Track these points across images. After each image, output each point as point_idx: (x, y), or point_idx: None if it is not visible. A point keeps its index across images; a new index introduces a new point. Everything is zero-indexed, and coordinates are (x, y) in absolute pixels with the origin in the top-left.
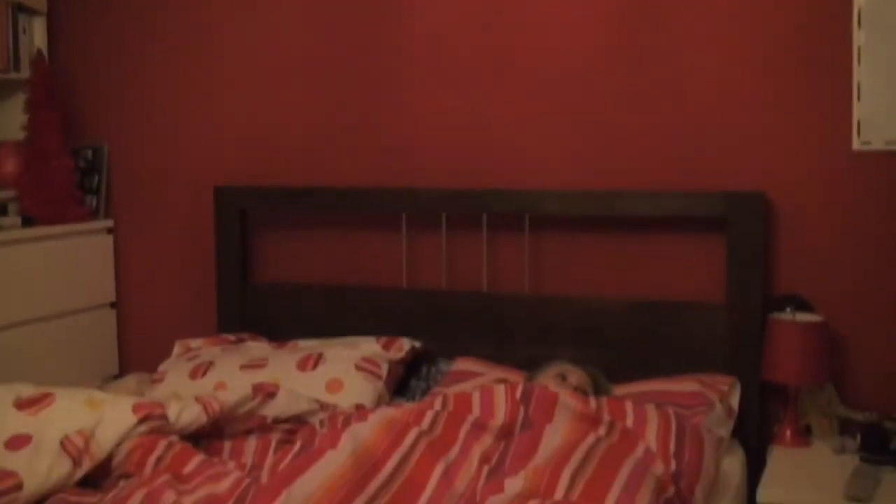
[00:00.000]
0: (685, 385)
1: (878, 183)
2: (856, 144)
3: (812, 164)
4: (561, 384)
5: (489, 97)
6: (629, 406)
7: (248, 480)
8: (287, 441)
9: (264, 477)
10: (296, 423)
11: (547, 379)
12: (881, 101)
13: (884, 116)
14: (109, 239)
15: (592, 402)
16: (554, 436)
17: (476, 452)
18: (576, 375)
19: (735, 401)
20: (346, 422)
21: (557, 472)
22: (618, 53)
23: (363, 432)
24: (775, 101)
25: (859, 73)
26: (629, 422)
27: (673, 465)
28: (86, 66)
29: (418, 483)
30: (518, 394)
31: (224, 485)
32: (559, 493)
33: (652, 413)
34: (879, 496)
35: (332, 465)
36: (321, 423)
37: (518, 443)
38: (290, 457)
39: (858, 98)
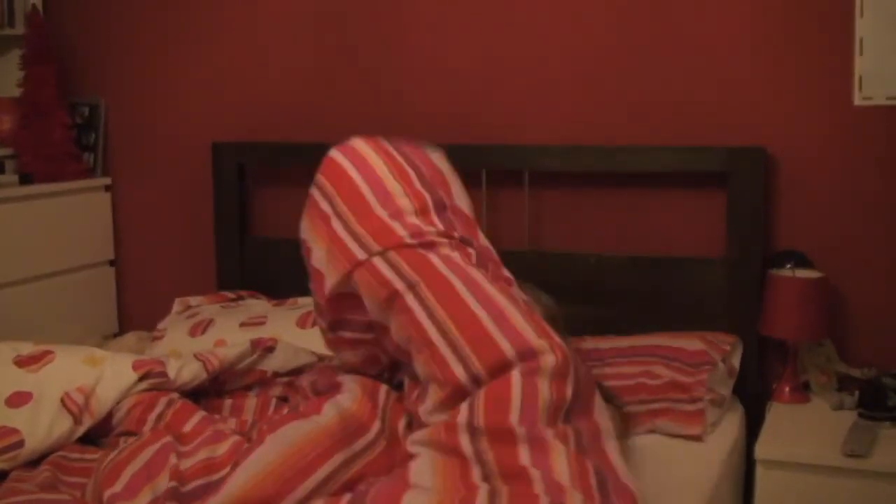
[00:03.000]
0: (690, 342)
1: (879, 138)
2: (857, 99)
3: (813, 118)
4: None
5: (489, 51)
6: None
7: (246, 445)
8: (286, 397)
9: (255, 434)
10: (296, 377)
11: None
12: (883, 55)
13: (885, 71)
14: (107, 196)
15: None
16: None
17: None
18: None
19: (736, 360)
20: (313, 386)
21: None
22: (618, 8)
23: (345, 403)
24: (777, 55)
25: (862, 27)
26: None
27: None
28: (81, 22)
29: (402, 446)
30: None
31: (222, 448)
32: None
33: None
34: (877, 452)
35: (319, 422)
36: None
37: None
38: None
39: (861, 52)
